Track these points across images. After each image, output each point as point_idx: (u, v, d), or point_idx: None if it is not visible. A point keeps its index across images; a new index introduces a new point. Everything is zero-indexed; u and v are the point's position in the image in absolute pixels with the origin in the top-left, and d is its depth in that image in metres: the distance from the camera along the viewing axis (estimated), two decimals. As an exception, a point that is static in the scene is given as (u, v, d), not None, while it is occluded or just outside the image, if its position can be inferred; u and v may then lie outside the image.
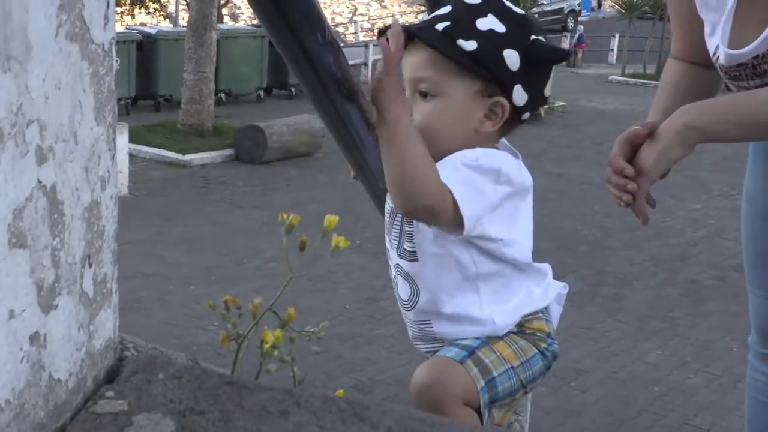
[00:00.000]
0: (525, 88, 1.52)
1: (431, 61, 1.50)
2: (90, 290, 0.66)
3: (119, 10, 24.57)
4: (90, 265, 0.65)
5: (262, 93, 17.62)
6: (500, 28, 1.50)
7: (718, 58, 1.82)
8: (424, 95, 1.51)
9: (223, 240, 8.80)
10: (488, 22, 1.50)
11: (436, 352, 1.58)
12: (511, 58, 1.49)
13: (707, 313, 7.31)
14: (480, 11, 1.52)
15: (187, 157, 12.18)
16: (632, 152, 1.76)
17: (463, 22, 1.51)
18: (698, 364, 6.28)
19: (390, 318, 6.75)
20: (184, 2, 23.01)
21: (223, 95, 16.48)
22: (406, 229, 1.55)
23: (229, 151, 12.51)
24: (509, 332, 1.55)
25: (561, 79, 22.02)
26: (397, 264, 1.60)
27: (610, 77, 23.85)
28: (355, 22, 39.89)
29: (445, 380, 1.45)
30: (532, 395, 1.79)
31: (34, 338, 0.60)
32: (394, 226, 1.59)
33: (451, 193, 1.40)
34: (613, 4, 29.01)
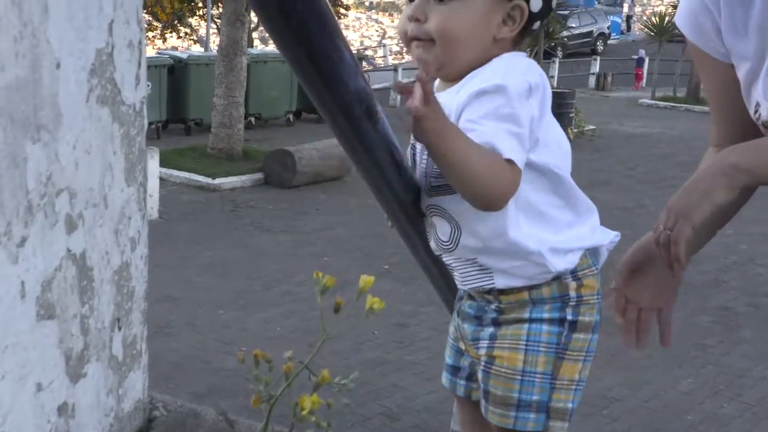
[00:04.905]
0: None
1: None
2: (119, 353, 0.65)
3: (150, 34, 24.81)
4: (119, 328, 0.64)
5: (291, 117, 17.70)
6: None
7: (759, 115, 1.70)
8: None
9: (252, 264, 8.81)
10: None
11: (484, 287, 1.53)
12: None
13: (740, 340, 7.23)
14: None
15: (217, 181, 12.24)
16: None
17: None
18: (731, 392, 6.20)
19: (419, 344, 6.72)
20: (215, 26, 23.21)
21: (252, 119, 16.57)
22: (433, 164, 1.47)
23: (258, 175, 12.56)
24: (569, 322, 1.51)
25: (591, 103, 21.98)
26: (431, 204, 1.53)
27: (641, 100, 23.75)
28: (384, 45, 40.04)
29: None
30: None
31: (62, 409, 0.59)
32: (420, 165, 1.53)
33: (514, 161, 1.35)
34: (643, 27, 28.91)
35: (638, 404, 6.00)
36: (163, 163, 11.46)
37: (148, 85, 13.66)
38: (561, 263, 1.50)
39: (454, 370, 1.72)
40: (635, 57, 27.59)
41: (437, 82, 1.56)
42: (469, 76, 1.45)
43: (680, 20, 1.79)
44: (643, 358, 6.76)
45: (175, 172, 12.49)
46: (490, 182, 1.34)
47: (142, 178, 0.61)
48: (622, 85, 27.20)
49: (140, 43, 0.61)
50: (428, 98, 1.27)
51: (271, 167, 12.47)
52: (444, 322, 1.85)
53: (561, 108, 13.67)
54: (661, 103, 23.18)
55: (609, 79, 26.82)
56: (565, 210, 1.52)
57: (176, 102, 16.06)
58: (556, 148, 1.50)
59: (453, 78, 1.48)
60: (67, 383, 0.57)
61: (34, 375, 0.54)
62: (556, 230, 1.50)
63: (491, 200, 1.37)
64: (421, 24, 1.45)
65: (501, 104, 1.37)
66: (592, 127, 17.60)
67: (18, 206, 0.49)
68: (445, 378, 1.76)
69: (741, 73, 1.71)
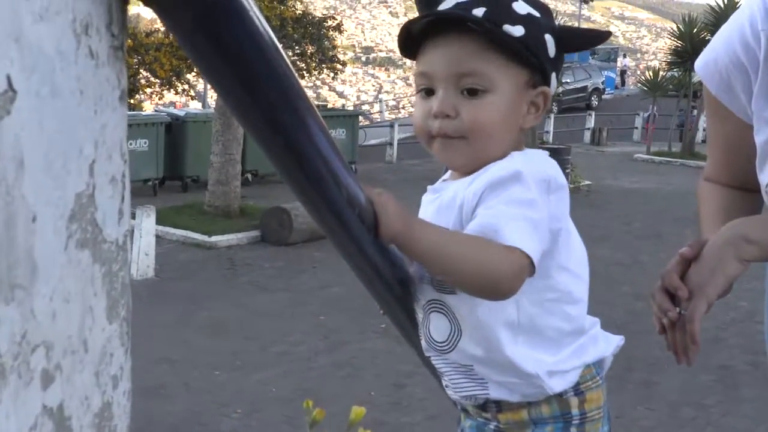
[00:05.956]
0: (557, 76, 1.43)
1: (478, 52, 1.33)
2: (99, 496, 0.62)
3: (148, 90, 24.97)
4: (100, 471, 0.61)
5: (288, 173, 17.74)
6: (535, 12, 1.38)
7: None
8: (472, 92, 1.35)
9: (248, 323, 8.76)
10: (524, 7, 1.37)
11: (479, 401, 1.45)
12: (550, 43, 1.38)
13: (741, 400, 7.16)
14: None
15: (213, 238, 12.21)
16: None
17: (500, 5, 1.35)
18: (732, 455, 6.13)
19: (417, 405, 6.65)
20: (212, 83, 23.31)
21: (249, 175, 16.60)
22: None
23: (255, 233, 12.54)
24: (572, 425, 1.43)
25: (587, 158, 22.05)
26: (432, 299, 1.43)
27: (636, 155, 23.82)
28: (381, 100, 40.34)
29: None
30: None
31: None
32: None
33: (518, 248, 1.27)
34: (637, 81, 29.12)
35: (639, 468, 5.93)
36: (160, 220, 11.45)
37: (145, 143, 13.60)
38: (559, 384, 1.43)
39: None
40: (645, 114, 27.39)
41: (448, 173, 1.50)
42: (486, 166, 1.38)
43: (704, 72, 1.73)
44: (643, 419, 6.70)
45: (172, 230, 12.47)
46: (479, 276, 1.27)
47: (125, 312, 0.59)
48: (617, 140, 27.31)
49: (123, 175, 0.59)
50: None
51: (267, 225, 12.46)
52: (442, 382, 1.79)
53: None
54: (656, 158, 23.24)
55: (604, 134, 26.94)
56: (571, 334, 1.45)
57: (173, 159, 16.13)
58: (579, 267, 1.45)
59: (473, 171, 1.40)
60: None
61: None
62: (555, 350, 1.43)
63: (487, 294, 1.31)
64: (452, 120, 1.36)
65: (517, 190, 1.31)
66: (587, 182, 17.63)
67: (-11, 372, 0.47)
68: None
69: (761, 137, 1.66)
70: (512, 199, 1.30)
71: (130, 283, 0.61)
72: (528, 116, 1.41)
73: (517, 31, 1.34)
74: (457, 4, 1.35)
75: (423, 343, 1.51)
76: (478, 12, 1.33)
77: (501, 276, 1.27)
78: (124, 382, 0.62)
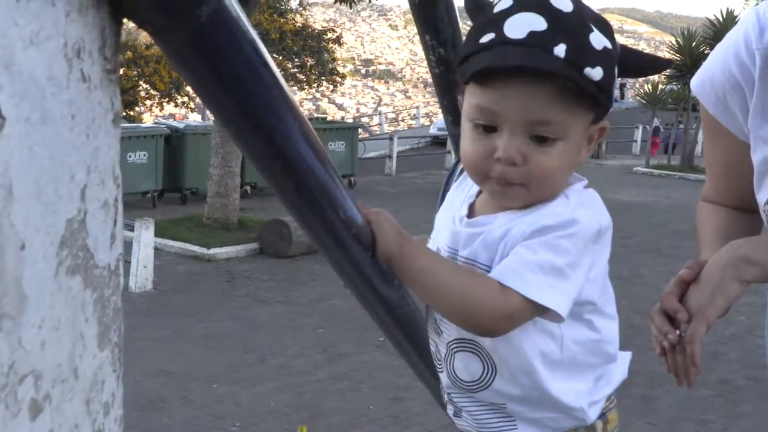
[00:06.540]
0: None
1: (554, 98, 1.22)
2: None
3: (148, 102, 25.00)
4: (90, 501, 0.60)
5: (287, 185, 17.74)
6: (608, 43, 1.26)
7: None
8: (541, 139, 1.25)
9: (247, 336, 8.75)
10: (599, 39, 1.25)
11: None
12: (616, 73, 1.29)
13: (740, 415, 7.15)
14: (584, 23, 1.24)
15: (212, 251, 12.21)
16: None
17: (579, 41, 1.22)
18: (732, 470, 6.11)
19: (415, 419, 6.63)
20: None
21: (248, 188, 16.61)
22: None
23: (253, 245, 12.53)
24: None
25: (586, 171, 21.78)
26: (463, 338, 1.37)
27: (635, 168, 23.84)
28: (380, 113, 40.34)
29: None
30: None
31: None
32: None
33: (518, 292, 1.23)
34: (636, 95, 29.16)
35: (638, 483, 5.90)
36: (159, 233, 11.44)
37: (144, 155, 13.60)
38: (595, 412, 1.41)
39: None
40: (650, 127, 27.39)
41: (474, 193, 1.44)
42: (539, 206, 1.31)
43: (701, 91, 1.72)
44: (643, 434, 6.69)
45: (170, 242, 12.46)
46: (462, 310, 1.25)
47: (117, 338, 0.59)
48: (616, 152, 27.31)
49: (116, 200, 0.58)
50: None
51: (266, 237, 12.45)
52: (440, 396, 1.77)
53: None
54: (656, 171, 23.25)
55: (603, 147, 26.93)
56: (603, 365, 1.44)
57: (173, 171, 16.17)
58: (613, 308, 1.42)
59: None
60: None
61: None
62: (587, 379, 1.41)
63: (472, 330, 1.30)
64: (517, 167, 1.26)
65: (562, 239, 1.26)
66: (587, 195, 17.60)
67: (-25, 405, 0.47)
68: None
69: (757, 156, 1.65)
70: (552, 245, 1.26)
71: (122, 307, 0.60)
72: (583, 151, 1.34)
73: (597, 74, 1.22)
74: (532, 33, 1.21)
75: (445, 379, 1.45)
76: (559, 50, 1.19)
77: (484, 314, 1.24)
78: (116, 409, 0.61)
